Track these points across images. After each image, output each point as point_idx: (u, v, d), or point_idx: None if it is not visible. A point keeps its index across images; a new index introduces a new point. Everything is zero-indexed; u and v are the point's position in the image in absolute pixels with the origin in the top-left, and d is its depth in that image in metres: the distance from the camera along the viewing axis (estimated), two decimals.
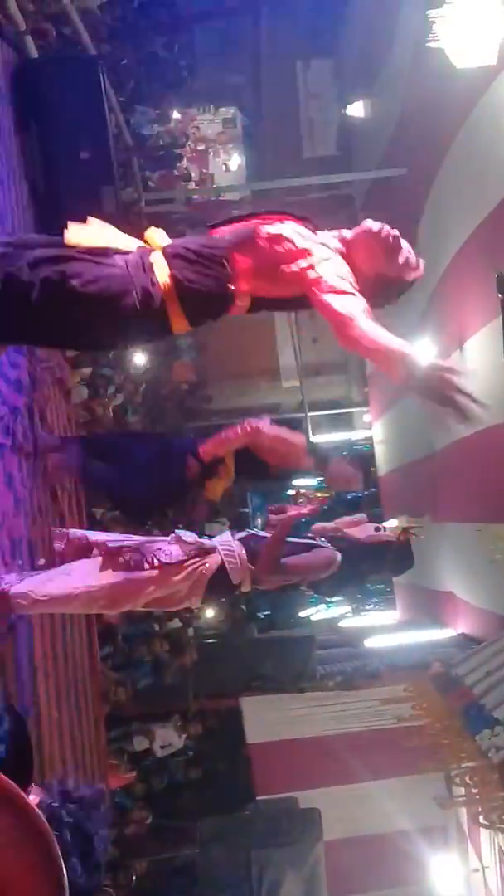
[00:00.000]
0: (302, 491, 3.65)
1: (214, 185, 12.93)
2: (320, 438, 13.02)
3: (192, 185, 12.06)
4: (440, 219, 8.27)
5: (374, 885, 7.21)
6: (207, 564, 3.39)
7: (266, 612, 13.62)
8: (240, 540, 3.48)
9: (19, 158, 5.60)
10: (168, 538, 3.46)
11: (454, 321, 7.86)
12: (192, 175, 12.30)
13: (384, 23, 9.82)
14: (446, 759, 6.45)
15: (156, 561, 3.33)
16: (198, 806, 8.24)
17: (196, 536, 3.47)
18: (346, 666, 8.82)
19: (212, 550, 3.41)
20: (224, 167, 13.29)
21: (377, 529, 3.59)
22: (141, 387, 9.83)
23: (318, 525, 3.68)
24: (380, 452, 12.22)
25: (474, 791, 5.82)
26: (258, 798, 7.81)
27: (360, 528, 3.60)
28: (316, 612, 14.21)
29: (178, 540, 3.42)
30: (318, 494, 3.70)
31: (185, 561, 3.37)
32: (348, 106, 11.24)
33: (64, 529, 3.74)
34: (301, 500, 3.61)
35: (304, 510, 3.46)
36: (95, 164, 5.95)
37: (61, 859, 1.16)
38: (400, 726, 7.10)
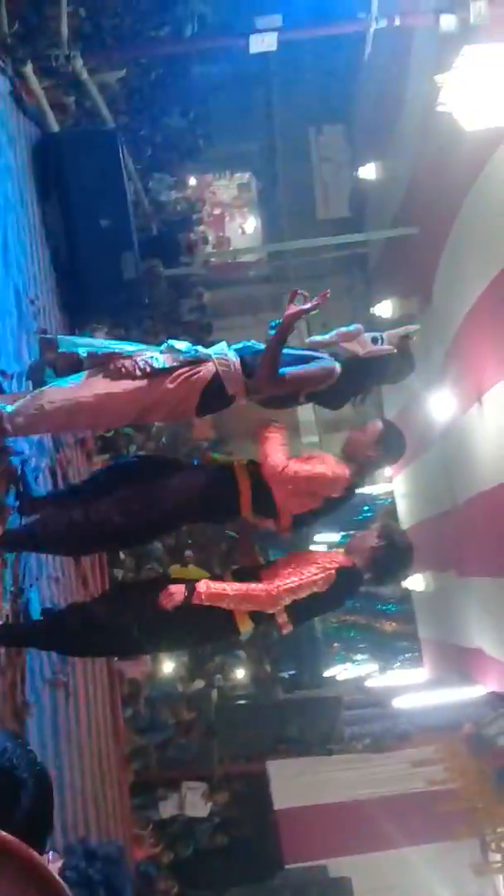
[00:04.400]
0: (300, 291, 3.24)
1: (231, 248, 13.18)
2: None
3: (209, 248, 12.30)
4: (455, 275, 8.36)
5: None
6: (201, 373, 3.27)
7: (291, 672, 13.42)
8: (236, 350, 3.36)
9: (41, 227, 5.76)
10: (160, 348, 3.37)
11: (472, 374, 7.89)
12: (209, 238, 12.56)
13: (394, 88, 10.09)
14: (480, 823, 6.27)
15: (148, 368, 3.25)
16: (225, 875, 7.99)
17: (189, 345, 3.37)
18: (374, 727, 8.63)
19: (206, 360, 3.31)
20: (240, 230, 13.56)
21: (374, 341, 3.41)
22: (161, 442, 9.87)
23: (314, 338, 3.50)
24: (402, 506, 12.15)
25: None
26: (287, 866, 7.59)
27: (357, 342, 3.41)
28: (342, 671, 13.98)
29: (171, 349, 3.33)
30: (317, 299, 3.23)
31: (178, 368, 3.27)
32: (360, 169, 11.48)
33: (51, 336, 3.55)
34: (298, 300, 3.22)
35: (307, 306, 3.20)
36: (115, 231, 6.10)
37: None
38: (432, 790, 6.92)
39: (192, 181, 12.70)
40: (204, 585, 3.07)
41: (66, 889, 1.22)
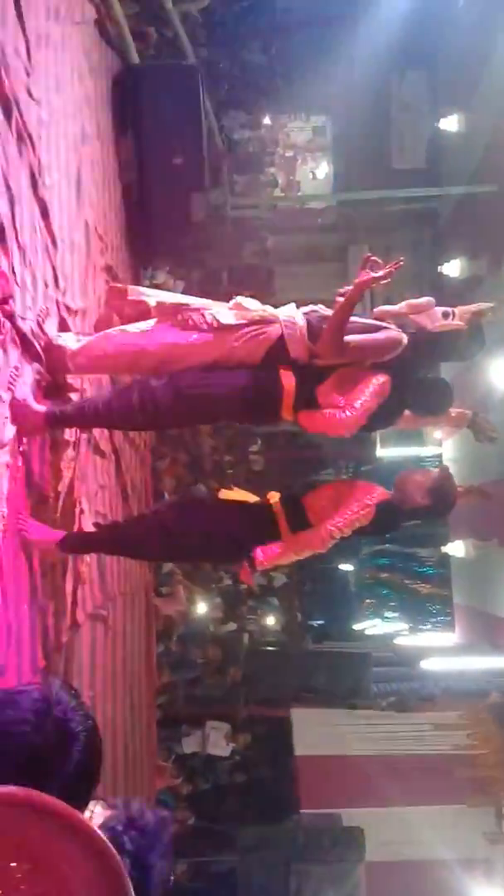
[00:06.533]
0: (373, 257, 3.16)
1: (300, 193, 12.90)
2: (388, 452, 12.86)
3: (278, 192, 12.06)
4: None
5: None
6: (267, 333, 3.30)
7: (320, 622, 13.52)
8: (304, 314, 3.36)
9: (115, 162, 5.69)
10: (229, 304, 3.39)
11: None
12: (279, 181, 12.30)
13: (484, 40, 9.67)
14: (498, 792, 6.33)
15: (215, 323, 3.28)
16: (241, 812, 8.23)
17: (257, 303, 3.39)
18: (400, 686, 8.70)
19: (273, 320, 3.32)
20: (311, 175, 13.24)
21: (445, 315, 3.34)
22: None
23: (382, 308, 3.45)
24: (450, 470, 12.02)
25: None
26: (301, 811, 7.78)
27: (427, 315, 3.36)
28: (371, 627, 14.04)
29: (239, 306, 3.36)
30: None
31: (245, 326, 3.30)
32: (441, 119, 11.08)
33: (121, 285, 3.62)
34: (369, 265, 3.15)
35: (377, 275, 3.15)
36: (188, 171, 6.01)
37: None
38: (452, 754, 6.99)
39: (267, 121, 12.38)
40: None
41: (108, 844, 1.23)
